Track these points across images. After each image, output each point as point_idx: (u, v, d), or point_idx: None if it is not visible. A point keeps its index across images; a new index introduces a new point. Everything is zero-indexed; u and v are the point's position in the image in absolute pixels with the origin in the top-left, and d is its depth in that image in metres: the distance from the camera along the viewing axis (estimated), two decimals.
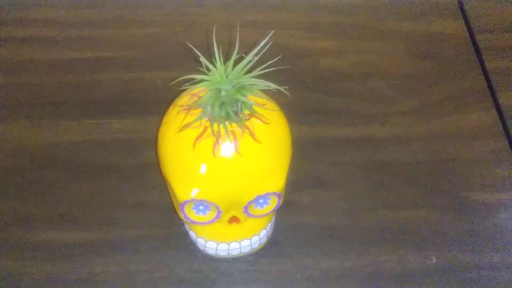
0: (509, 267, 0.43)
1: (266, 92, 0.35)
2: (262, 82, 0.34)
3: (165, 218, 0.44)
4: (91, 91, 0.51)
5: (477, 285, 0.42)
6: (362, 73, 0.54)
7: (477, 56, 0.55)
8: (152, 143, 0.41)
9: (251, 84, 0.34)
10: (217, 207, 0.37)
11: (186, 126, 0.35)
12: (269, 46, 0.33)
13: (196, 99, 0.36)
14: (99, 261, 0.42)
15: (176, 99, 0.38)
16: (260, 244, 0.42)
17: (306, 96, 0.52)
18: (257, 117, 0.36)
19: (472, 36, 0.57)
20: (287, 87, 0.34)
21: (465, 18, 0.59)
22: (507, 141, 0.50)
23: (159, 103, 0.39)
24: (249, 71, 0.35)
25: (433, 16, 0.59)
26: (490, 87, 0.54)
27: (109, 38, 0.55)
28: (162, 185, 0.41)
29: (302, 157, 0.44)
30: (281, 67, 0.34)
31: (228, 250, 0.41)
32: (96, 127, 0.49)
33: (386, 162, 0.48)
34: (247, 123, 0.35)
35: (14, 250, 0.42)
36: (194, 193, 0.36)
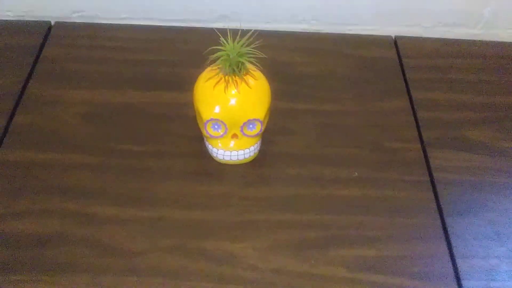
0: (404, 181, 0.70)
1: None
2: (254, 51, 0.63)
3: (193, 142, 0.72)
4: (151, 76, 0.81)
5: None
6: (323, 75, 0.83)
7: (401, 70, 0.85)
8: (186, 105, 0.69)
9: (247, 52, 0.64)
10: (225, 125, 0.65)
11: (210, 78, 0.65)
12: (263, 58, 0.60)
13: (217, 63, 0.65)
14: (151, 160, 0.70)
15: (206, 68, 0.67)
16: (250, 155, 0.70)
17: (284, 86, 0.80)
18: (250, 75, 0.65)
19: (399, 59, 0.87)
20: (266, 56, 0.63)
21: (397, 48, 0.89)
22: (413, 117, 0.78)
23: (192, 83, 0.66)
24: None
25: (375, 47, 0.89)
26: (407, 88, 0.83)
27: (164, 49, 0.86)
28: (193, 125, 0.69)
29: (280, 118, 0.74)
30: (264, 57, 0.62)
31: (231, 156, 0.69)
32: (154, 95, 0.78)
33: (332, 123, 0.76)
34: (244, 77, 0.64)
35: (104, 153, 0.71)
36: (212, 115, 0.65)
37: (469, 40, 0.92)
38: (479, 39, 0.92)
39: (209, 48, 0.62)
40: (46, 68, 0.81)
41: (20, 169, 0.68)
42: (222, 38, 0.63)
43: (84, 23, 0.91)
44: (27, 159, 0.69)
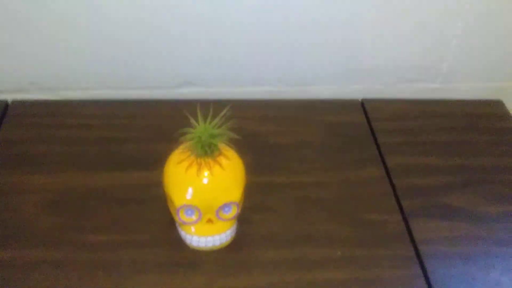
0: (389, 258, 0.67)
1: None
2: (225, 131, 0.61)
3: (165, 228, 0.67)
4: (117, 155, 0.77)
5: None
6: (296, 145, 0.81)
7: (372, 135, 0.84)
8: (157, 186, 0.65)
9: (219, 134, 0.61)
10: (199, 210, 0.62)
11: (182, 160, 0.61)
12: (234, 128, 0.59)
13: (188, 145, 0.62)
14: (122, 251, 0.65)
15: (176, 149, 0.64)
16: (226, 240, 0.66)
17: (258, 159, 0.77)
18: (223, 155, 0.62)
19: (369, 123, 0.86)
20: (239, 137, 0.60)
21: (365, 112, 0.88)
22: (390, 186, 0.76)
23: (163, 161, 0.63)
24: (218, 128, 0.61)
25: (344, 111, 0.89)
26: (380, 154, 0.81)
27: (131, 125, 0.82)
28: (164, 208, 0.66)
29: (255, 194, 0.69)
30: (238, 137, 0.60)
31: (206, 242, 0.64)
32: (121, 176, 0.74)
33: (310, 197, 0.74)
34: (217, 158, 0.61)
35: (68, 247, 0.65)
36: (185, 201, 0.61)
37: (434, 99, 0.93)
38: (439, 95, 0.93)
39: (179, 131, 0.59)
40: (3, 152, 0.76)
41: None
42: (192, 120, 0.60)
43: (44, 101, 0.87)
44: None
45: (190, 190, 0.61)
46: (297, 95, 0.93)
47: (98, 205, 0.70)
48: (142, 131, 0.82)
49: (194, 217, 0.63)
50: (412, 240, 0.69)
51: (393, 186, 0.76)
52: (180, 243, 0.66)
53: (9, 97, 0.87)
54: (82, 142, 0.79)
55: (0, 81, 0.87)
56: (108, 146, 0.79)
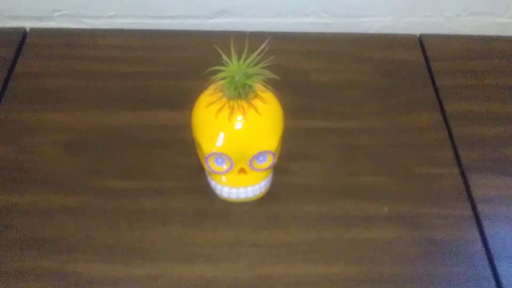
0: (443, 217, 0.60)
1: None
2: (262, 71, 0.52)
3: (194, 174, 0.61)
4: (142, 92, 0.70)
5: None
6: (341, 86, 0.72)
7: (429, 76, 0.74)
8: (184, 127, 0.59)
9: (255, 73, 0.53)
10: (231, 159, 0.55)
11: (212, 103, 0.54)
12: (272, 66, 0.50)
13: (219, 85, 0.54)
14: (145, 199, 0.59)
15: (206, 89, 0.57)
16: (260, 192, 0.59)
17: (298, 100, 0.70)
18: (259, 98, 0.54)
19: (427, 62, 0.76)
20: (279, 77, 0.52)
21: (423, 49, 0.77)
22: (447, 134, 0.67)
23: (192, 101, 0.56)
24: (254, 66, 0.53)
25: (398, 48, 0.78)
26: (439, 99, 0.72)
27: (157, 58, 0.75)
28: (192, 153, 0.59)
29: (294, 140, 0.62)
30: (277, 77, 0.51)
31: (237, 193, 0.58)
32: (146, 115, 0.67)
33: (355, 145, 0.66)
34: (252, 101, 0.53)
35: (88, 192, 0.60)
36: (215, 148, 0.54)
37: (504, 36, 0.80)
38: (508, 31, 0.81)
39: (209, 69, 0.51)
40: (20, 86, 0.70)
41: None
42: (224, 57, 0.52)
43: (63, 29, 0.79)
44: None
45: (221, 137, 0.53)
46: (344, 28, 0.82)
47: (120, 148, 0.64)
48: (169, 65, 0.74)
49: (225, 166, 0.56)
50: (470, 198, 0.61)
51: (450, 135, 0.67)
52: (209, 193, 0.60)
53: (28, 24, 0.80)
54: (105, 76, 0.72)
55: (22, 8, 0.80)
56: (132, 82, 0.71)
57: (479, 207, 0.60)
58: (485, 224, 0.59)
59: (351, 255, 0.56)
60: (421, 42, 0.79)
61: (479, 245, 0.57)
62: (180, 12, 0.81)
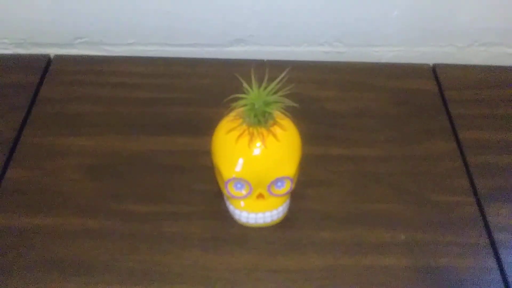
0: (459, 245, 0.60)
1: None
2: (282, 99, 0.54)
3: (212, 199, 0.62)
4: (163, 118, 0.72)
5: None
6: (356, 114, 0.73)
7: (443, 104, 0.75)
8: (203, 153, 0.61)
9: (274, 101, 0.54)
10: (250, 184, 0.56)
11: (232, 129, 0.55)
12: (290, 95, 0.52)
13: (239, 112, 0.56)
14: (165, 223, 0.60)
15: (226, 115, 0.58)
16: (278, 217, 0.60)
17: (315, 127, 0.71)
18: (278, 125, 0.55)
19: (441, 91, 0.77)
20: (297, 105, 0.53)
21: (437, 78, 0.79)
22: (462, 162, 0.68)
23: (211, 127, 0.57)
24: (274, 94, 0.55)
25: (412, 77, 0.79)
26: (453, 127, 0.73)
27: (177, 85, 0.77)
28: (211, 179, 0.60)
29: (310, 167, 0.63)
30: (295, 105, 0.53)
31: (256, 218, 0.59)
32: (166, 141, 0.69)
33: (370, 172, 0.66)
34: (271, 128, 0.55)
35: (109, 216, 0.61)
36: (234, 173, 0.56)
37: None
38: None
39: (231, 96, 0.53)
40: (44, 111, 0.72)
41: (12, 237, 0.59)
42: (245, 85, 0.53)
43: (86, 56, 0.82)
44: (21, 225, 0.60)
45: (240, 162, 0.54)
46: (357, 57, 0.84)
47: (140, 172, 0.65)
48: (189, 92, 0.76)
49: (243, 192, 0.57)
50: (486, 226, 0.62)
51: (465, 163, 0.68)
52: (227, 218, 0.61)
53: (52, 51, 0.82)
54: (126, 102, 0.74)
55: (44, 35, 0.82)
56: (153, 108, 0.73)
57: (496, 236, 0.60)
58: (502, 252, 0.59)
59: (367, 282, 0.56)
60: (435, 72, 0.80)
61: (496, 274, 0.57)
62: (198, 41, 0.84)
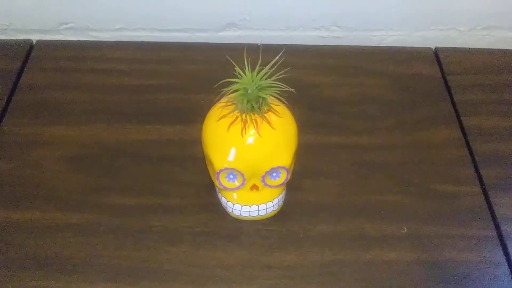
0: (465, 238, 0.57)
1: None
2: (276, 83, 0.50)
3: (203, 192, 0.59)
4: (151, 106, 0.68)
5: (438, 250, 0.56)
6: (356, 100, 0.70)
7: (446, 90, 0.71)
8: (193, 143, 0.57)
9: (269, 86, 0.51)
10: (243, 175, 0.52)
11: (223, 116, 0.52)
12: (285, 79, 0.48)
13: (231, 98, 0.52)
14: (153, 217, 0.57)
15: (217, 102, 0.54)
16: (273, 209, 0.56)
17: (312, 114, 0.67)
18: (273, 111, 0.52)
19: (444, 76, 0.73)
20: (293, 89, 0.50)
21: (439, 63, 0.75)
22: (467, 151, 0.65)
23: (202, 115, 0.54)
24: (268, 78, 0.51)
25: (413, 61, 0.76)
26: (457, 114, 0.69)
27: (166, 71, 0.73)
28: (202, 170, 0.57)
29: (307, 156, 0.60)
30: (291, 90, 0.49)
31: (249, 211, 0.56)
32: (154, 130, 0.65)
33: (371, 161, 0.63)
34: (265, 114, 0.51)
35: (93, 210, 0.58)
36: (226, 163, 0.52)
37: None
38: None
39: (222, 81, 0.49)
40: (25, 99, 0.68)
41: None
42: (237, 68, 0.50)
43: (70, 41, 0.78)
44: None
45: (232, 152, 0.51)
46: (355, 42, 0.80)
47: (126, 163, 0.62)
48: (178, 79, 0.72)
49: (236, 183, 0.54)
50: (493, 218, 0.58)
51: (471, 151, 0.65)
52: (219, 211, 0.57)
53: (36, 37, 0.78)
54: (111, 90, 0.70)
55: (28, 21, 0.79)
56: (140, 95, 0.69)
57: (503, 227, 0.57)
58: (510, 245, 0.56)
59: (369, 278, 0.53)
60: (437, 56, 0.77)
61: (504, 268, 0.54)
62: (188, 25, 0.80)
